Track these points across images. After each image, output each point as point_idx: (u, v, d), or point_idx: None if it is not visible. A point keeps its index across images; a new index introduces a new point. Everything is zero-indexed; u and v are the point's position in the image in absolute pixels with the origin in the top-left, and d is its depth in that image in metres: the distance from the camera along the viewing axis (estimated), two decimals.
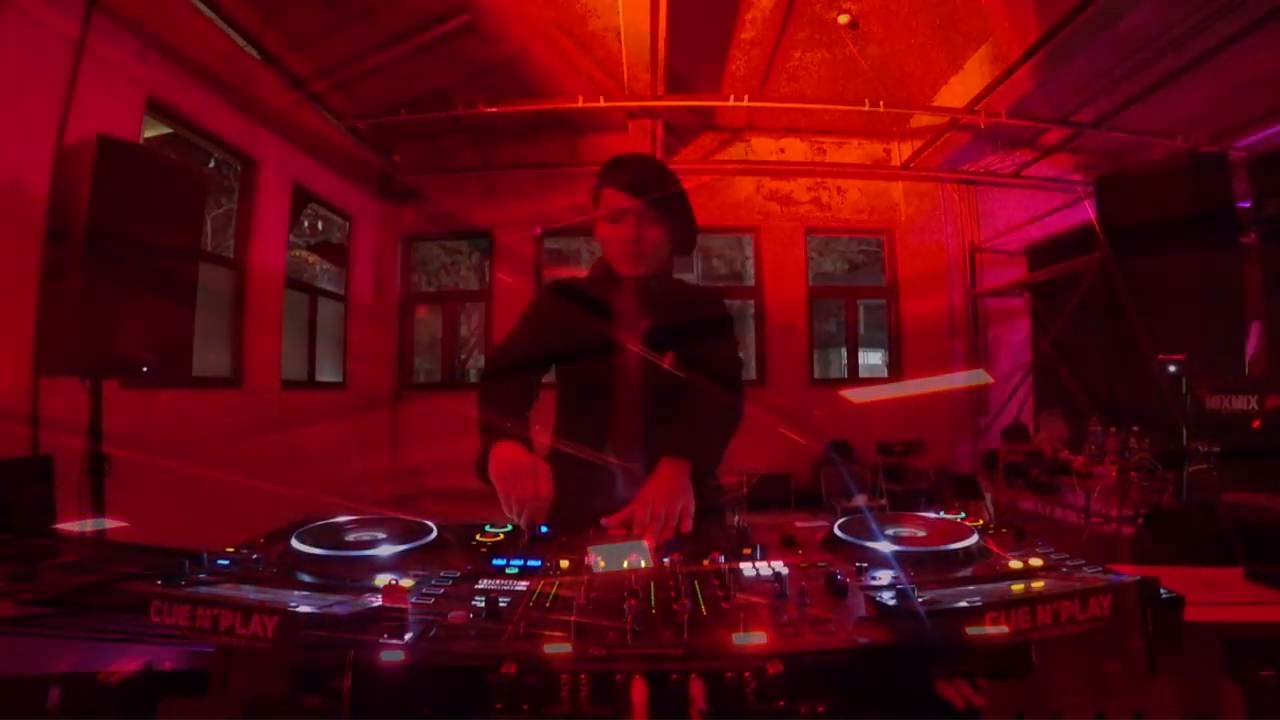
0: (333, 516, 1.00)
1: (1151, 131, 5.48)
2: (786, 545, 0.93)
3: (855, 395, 6.62)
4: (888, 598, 0.64)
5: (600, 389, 1.46)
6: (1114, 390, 4.88)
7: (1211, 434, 2.81)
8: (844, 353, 7.53)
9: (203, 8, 3.96)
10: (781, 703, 0.57)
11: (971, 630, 0.59)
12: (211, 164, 4.87)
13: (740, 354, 1.59)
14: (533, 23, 4.90)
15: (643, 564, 0.84)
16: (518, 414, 1.34)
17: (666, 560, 0.86)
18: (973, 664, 0.57)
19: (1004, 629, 0.59)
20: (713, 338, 1.52)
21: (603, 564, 0.84)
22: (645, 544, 0.89)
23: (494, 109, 5.64)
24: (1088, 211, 5.08)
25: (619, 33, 4.61)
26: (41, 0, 3.22)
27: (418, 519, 1.00)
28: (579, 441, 1.41)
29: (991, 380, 6.66)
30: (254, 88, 4.86)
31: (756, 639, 0.60)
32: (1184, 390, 2.73)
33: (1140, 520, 3.50)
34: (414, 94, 5.67)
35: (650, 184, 1.42)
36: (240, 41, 4.38)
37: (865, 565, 0.81)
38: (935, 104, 5.79)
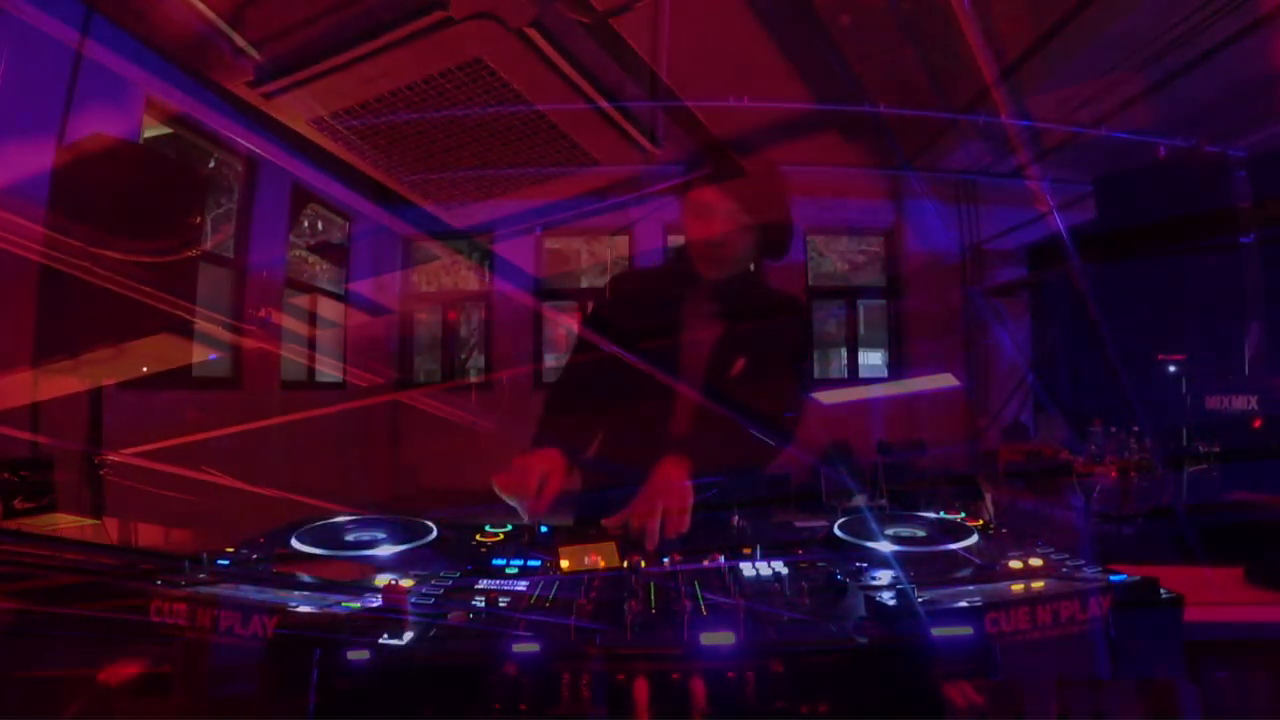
0: (332, 517, 1.00)
1: (1151, 131, 5.48)
2: (786, 545, 0.93)
3: (823, 398, 6.63)
4: (888, 598, 0.64)
5: (658, 394, 1.33)
6: (1078, 390, 4.90)
7: (1211, 434, 2.81)
8: (844, 353, 7.53)
9: (199, 5, 3.95)
10: (781, 703, 0.57)
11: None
12: (211, 164, 4.87)
13: (804, 381, 1.45)
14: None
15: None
16: (574, 431, 1.29)
17: (666, 560, 0.86)
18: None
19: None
20: (782, 357, 1.37)
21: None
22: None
23: (490, 108, 5.63)
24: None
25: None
26: (41, 1, 3.22)
27: (418, 519, 1.00)
28: (631, 442, 1.32)
29: (958, 383, 6.66)
30: (253, 89, 4.85)
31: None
32: (1184, 390, 2.73)
33: (1140, 520, 3.50)
34: (410, 93, 5.65)
35: (745, 182, 1.28)
36: (240, 41, 4.37)
37: (865, 565, 0.81)
38: (935, 103, 5.78)
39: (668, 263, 1.45)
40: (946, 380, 6.47)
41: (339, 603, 0.65)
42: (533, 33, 3.95)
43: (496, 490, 1.11)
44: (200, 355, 3.26)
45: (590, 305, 1.50)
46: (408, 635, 0.62)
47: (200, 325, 2.93)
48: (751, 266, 1.42)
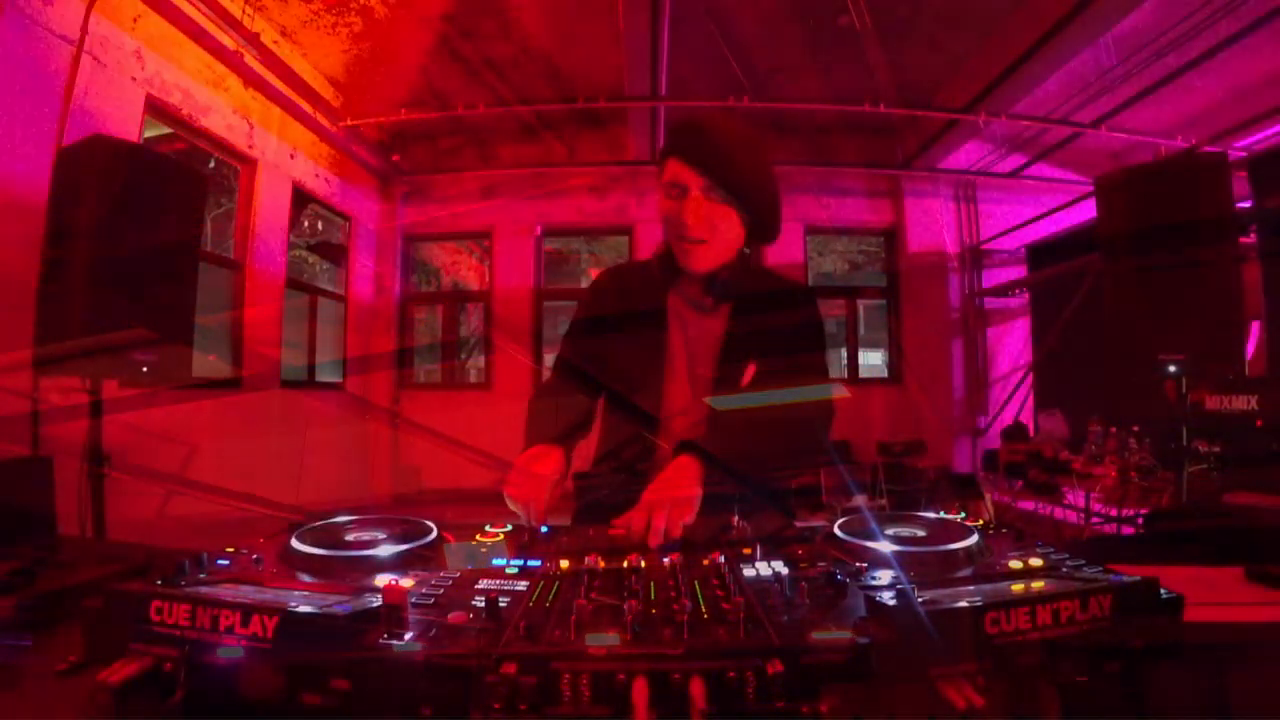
0: (332, 517, 1.00)
1: (1151, 131, 5.49)
2: (786, 545, 0.93)
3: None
4: (888, 598, 0.64)
5: (649, 404, 1.23)
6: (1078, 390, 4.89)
7: (1210, 434, 2.81)
8: (844, 353, 7.54)
9: (200, 5, 3.96)
10: (781, 703, 0.57)
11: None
12: (211, 164, 4.88)
13: (824, 375, 1.28)
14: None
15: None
16: (564, 427, 1.21)
17: (666, 560, 0.86)
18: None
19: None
20: (803, 343, 1.25)
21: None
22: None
23: (493, 109, 5.65)
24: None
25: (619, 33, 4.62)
26: (41, 0, 3.22)
27: (418, 519, 1.00)
28: (618, 461, 1.25)
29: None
30: (254, 88, 4.86)
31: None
32: (1183, 390, 2.73)
33: (1140, 520, 3.50)
34: (413, 93, 5.67)
35: (724, 155, 1.13)
36: (238, 40, 4.38)
37: (865, 565, 0.81)
38: (935, 103, 5.79)
39: (656, 251, 1.32)
40: (838, 391, 6.47)
41: (338, 603, 0.65)
42: None
43: (507, 500, 1.09)
44: (200, 355, 3.25)
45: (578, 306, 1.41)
46: (408, 635, 0.62)
47: (200, 325, 2.93)
48: (746, 253, 1.28)
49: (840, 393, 1.23)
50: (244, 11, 4.28)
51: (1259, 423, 2.57)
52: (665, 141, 1.20)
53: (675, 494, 1.03)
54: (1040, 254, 6.59)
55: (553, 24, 4.96)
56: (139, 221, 2.52)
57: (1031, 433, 5.67)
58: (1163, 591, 0.66)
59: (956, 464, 6.51)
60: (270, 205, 5.12)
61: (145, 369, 2.57)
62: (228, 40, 4.33)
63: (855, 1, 4.44)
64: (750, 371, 1.22)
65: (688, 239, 1.17)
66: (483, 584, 0.78)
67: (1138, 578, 0.67)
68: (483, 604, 0.69)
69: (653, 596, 0.73)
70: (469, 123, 6.32)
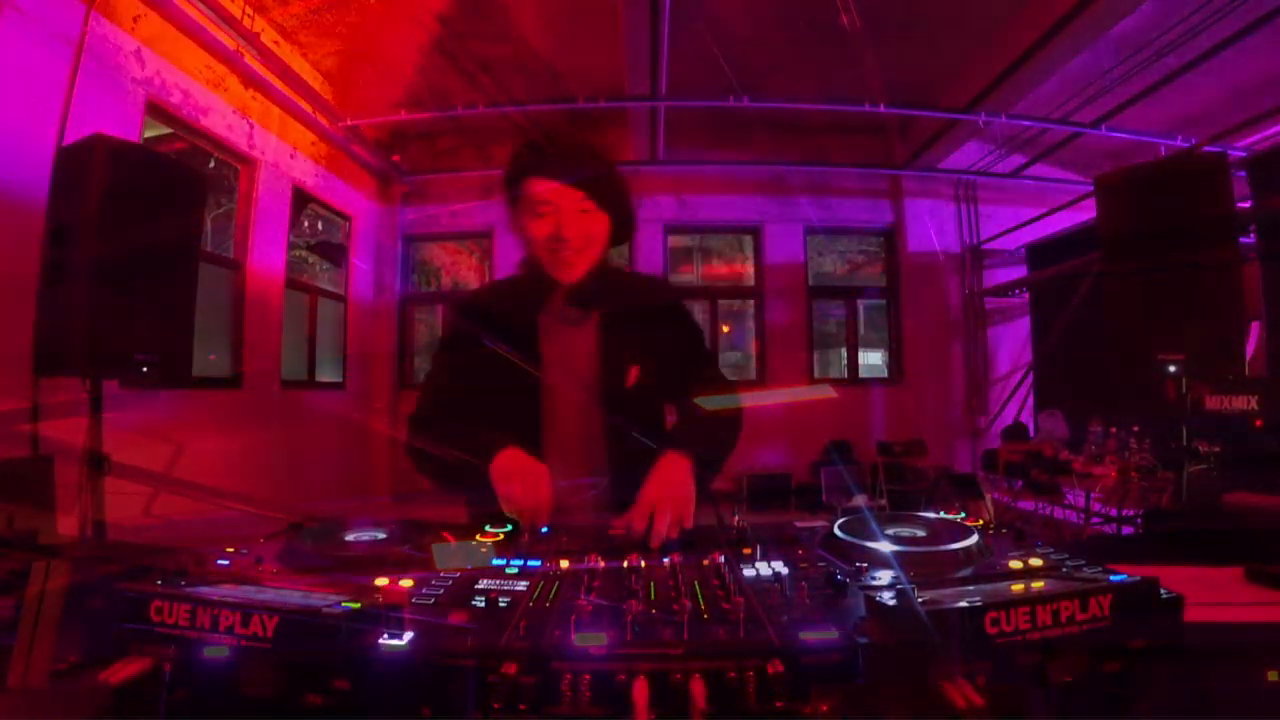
0: (332, 517, 1.00)
1: (1151, 131, 5.49)
2: (786, 545, 0.93)
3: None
4: (888, 598, 0.64)
5: (533, 414, 1.26)
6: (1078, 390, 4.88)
7: (1210, 434, 2.82)
8: (844, 353, 7.54)
9: (200, 5, 3.96)
10: (781, 703, 0.57)
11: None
12: (211, 164, 4.88)
13: (707, 360, 1.39)
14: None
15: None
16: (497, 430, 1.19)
17: (666, 560, 0.86)
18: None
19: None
20: (678, 332, 1.35)
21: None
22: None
23: (492, 109, 5.65)
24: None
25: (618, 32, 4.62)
26: (41, 0, 3.22)
27: (416, 519, 1.00)
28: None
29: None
30: (254, 88, 4.86)
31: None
32: (1183, 390, 2.73)
33: (1140, 520, 3.50)
34: (411, 93, 5.67)
35: (589, 168, 1.20)
36: (237, 39, 4.37)
37: (865, 565, 0.81)
38: (935, 103, 5.79)
39: (521, 271, 1.32)
40: (825, 391, 6.50)
41: (339, 603, 0.65)
42: None
43: (504, 503, 1.07)
44: (200, 355, 3.25)
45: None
46: (408, 635, 0.62)
47: (201, 325, 2.93)
48: (609, 255, 1.33)
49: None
50: (244, 11, 4.28)
51: (1259, 423, 2.57)
52: (519, 163, 1.22)
53: (674, 493, 1.03)
54: (1040, 254, 6.59)
55: (551, 24, 4.96)
56: (139, 221, 2.52)
57: (1031, 433, 5.67)
58: (1162, 591, 0.66)
59: (956, 464, 6.51)
60: (270, 205, 5.12)
61: (145, 369, 2.57)
62: (227, 40, 4.33)
63: (854, 1, 4.44)
64: (634, 372, 1.27)
65: (570, 248, 1.21)
66: (483, 584, 0.78)
67: (1137, 578, 0.67)
68: (483, 604, 0.69)
69: (653, 596, 0.73)
70: (468, 123, 6.32)
